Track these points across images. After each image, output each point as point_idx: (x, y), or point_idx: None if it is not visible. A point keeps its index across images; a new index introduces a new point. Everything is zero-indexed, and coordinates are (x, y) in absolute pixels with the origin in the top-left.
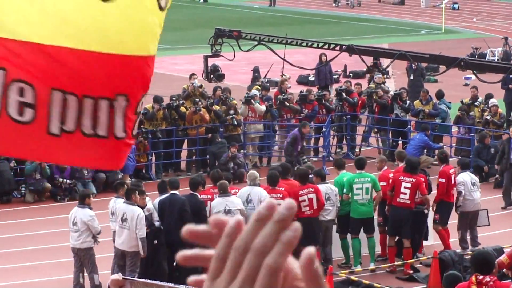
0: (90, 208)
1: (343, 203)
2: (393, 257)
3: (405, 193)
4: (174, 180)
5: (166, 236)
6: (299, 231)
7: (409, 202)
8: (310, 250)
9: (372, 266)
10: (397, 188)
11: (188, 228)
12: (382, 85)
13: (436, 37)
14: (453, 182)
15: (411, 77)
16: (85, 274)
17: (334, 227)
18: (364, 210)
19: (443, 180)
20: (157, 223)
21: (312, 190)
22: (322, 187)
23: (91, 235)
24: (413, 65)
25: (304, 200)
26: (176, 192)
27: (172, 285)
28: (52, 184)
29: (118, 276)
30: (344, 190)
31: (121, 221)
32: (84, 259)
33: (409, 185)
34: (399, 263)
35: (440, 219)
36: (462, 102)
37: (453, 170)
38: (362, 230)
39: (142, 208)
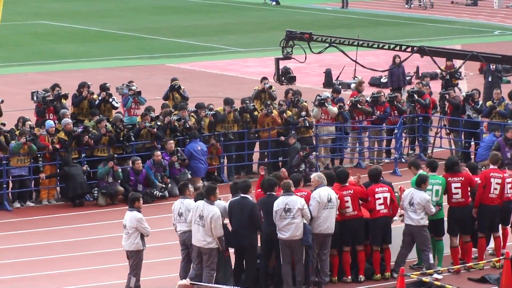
0: (139, 211)
1: None
2: (457, 259)
3: (456, 193)
4: (246, 184)
5: (235, 239)
6: None
7: (463, 200)
8: None
9: (439, 269)
10: (449, 189)
11: None
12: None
13: (510, 37)
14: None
15: (489, 79)
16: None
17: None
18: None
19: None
20: None
21: (387, 189)
22: (411, 191)
23: (139, 238)
24: (491, 66)
25: (380, 198)
26: (247, 196)
27: None
28: (124, 187)
29: (186, 281)
30: None
31: (198, 218)
32: (130, 260)
33: (459, 185)
34: (471, 264)
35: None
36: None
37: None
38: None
39: None
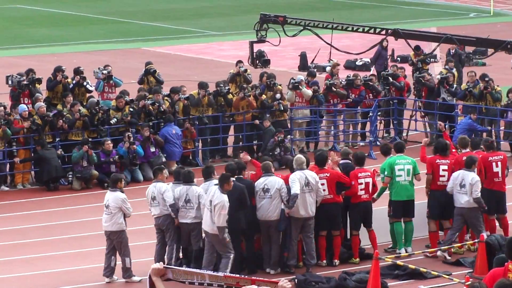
0: (122, 192)
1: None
2: (436, 243)
3: (443, 176)
4: (231, 167)
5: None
6: None
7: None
8: None
9: (410, 250)
10: (436, 171)
11: None
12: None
13: (485, 20)
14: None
15: None
16: (118, 257)
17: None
18: (405, 192)
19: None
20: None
21: (369, 174)
22: (461, 173)
23: (123, 218)
24: (451, 50)
25: (362, 184)
26: (233, 178)
27: (211, 272)
28: (99, 171)
29: (159, 265)
30: (386, 173)
31: (209, 203)
32: (116, 242)
33: (446, 167)
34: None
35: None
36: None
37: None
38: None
39: None
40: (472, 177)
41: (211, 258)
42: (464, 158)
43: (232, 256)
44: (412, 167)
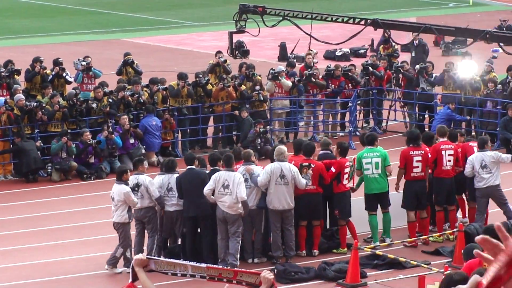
0: (127, 184)
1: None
2: (414, 233)
3: (417, 167)
4: (190, 156)
5: (188, 210)
6: None
7: (422, 174)
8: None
9: (388, 241)
10: (409, 163)
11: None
12: None
13: (464, 10)
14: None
15: (413, 54)
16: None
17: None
18: (376, 185)
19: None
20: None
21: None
22: (478, 155)
23: (126, 210)
24: (414, 41)
25: (347, 173)
26: (193, 166)
27: (194, 263)
28: (78, 162)
29: (142, 256)
30: (355, 166)
31: (222, 188)
32: (118, 232)
33: (419, 158)
34: (425, 237)
35: (435, 199)
36: None
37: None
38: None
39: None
40: (490, 155)
41: (226, 244)
42: (470, 144)
43: (240, 240)
44: (381, 160)
